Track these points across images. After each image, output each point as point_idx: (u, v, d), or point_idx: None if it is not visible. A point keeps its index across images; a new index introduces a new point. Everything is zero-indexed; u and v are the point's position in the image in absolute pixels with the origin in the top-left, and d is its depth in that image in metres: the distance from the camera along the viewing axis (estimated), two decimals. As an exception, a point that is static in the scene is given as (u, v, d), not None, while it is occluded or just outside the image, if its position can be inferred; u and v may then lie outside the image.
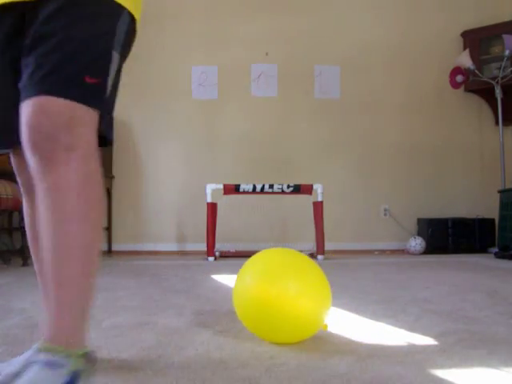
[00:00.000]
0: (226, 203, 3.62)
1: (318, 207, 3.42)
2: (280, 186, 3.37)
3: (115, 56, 0.85)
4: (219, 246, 3.61)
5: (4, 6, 0.79)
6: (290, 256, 1.17)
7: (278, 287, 1.07)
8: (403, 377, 0.86)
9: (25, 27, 0.79)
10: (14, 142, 0.82)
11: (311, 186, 3.40)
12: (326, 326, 1.12)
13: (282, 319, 1.05)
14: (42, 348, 0.75)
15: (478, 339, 1.12)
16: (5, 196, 2.62)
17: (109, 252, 3.93)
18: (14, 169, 0.93)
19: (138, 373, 0.90)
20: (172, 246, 4.04)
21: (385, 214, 4.15)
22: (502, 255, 3.30)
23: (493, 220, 3.85)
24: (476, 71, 3.86)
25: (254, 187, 3.35)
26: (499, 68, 3.80)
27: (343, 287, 1.95)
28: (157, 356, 1.00)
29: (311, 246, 3.46)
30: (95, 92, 0.80)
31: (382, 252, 3.99)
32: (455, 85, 3.95)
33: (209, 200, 3.36)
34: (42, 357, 0.74)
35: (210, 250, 3.31)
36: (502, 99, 3.82)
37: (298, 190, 3.38)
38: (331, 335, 1.16)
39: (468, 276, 2.33)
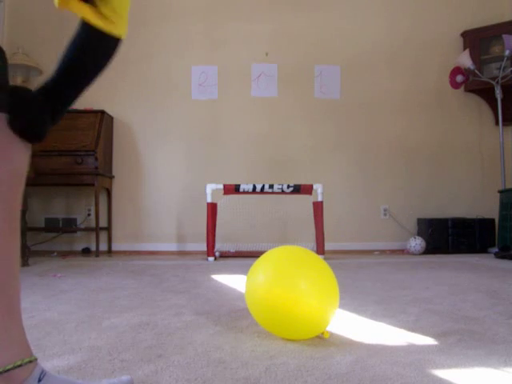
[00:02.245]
0: (226, 203, 3.62)
1: (318, 207, 3.42)
2: (280, 186, 3.37)
3: None
4: (219, 246, 3.61)
5: None
6: (301, 255, 1.18)
7: (288, 286, 1.09)
8: (403, 377, 0.86)
9: None
10: None
11: (311, 186, 3.40)
12: (327, 333, 1.13)
13: (291, 317, 1.07)
14: None
15: (478, 339, 1.12)
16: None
17: (109, 252, 3.94)
18: None
19: (138, 373, 0.90)
20: (172, 246, 4.04)
21: (385, 214, 4.15)
22: (502, 255, 3.30)
23: (493, 220, 3.85)
24: (476, 71, 3.86)
25: (254, 187, 3.35)
26: (499, 68, 3.80)
27: (343, 287, 1.95)
28: (157, 356, 1.00)
29: (311, 245, 3.46)
30: None
31: (382, 252, 3.99)
32: (455, 85, 3.96)
33: (209, 200, 3.36)
34: None
35: (210, 250, 3.31)
36: (501, 99, 3.82)
37: (298, 190, 3.38)
38: (331, 335, 1.16)
39: (468, 276, 2.33)
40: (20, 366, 0.71)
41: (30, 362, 0.73)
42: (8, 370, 0.70)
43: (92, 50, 0.80)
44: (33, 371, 0.73)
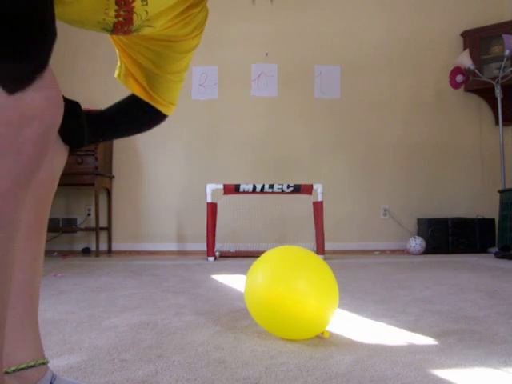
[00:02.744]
0: (226, 203, 3.61)
1: (318, 207, 3.42)
2: (280, 186, 3.37)
3: None
4: (219, 246, 3.61)
5: None
6: (301, 255, 1.18)
7: (287, 286, 1.09)
8: (403, 377, 0.86)
9: None
10: None
11: (311, 186, 3.40)
12: (327, 332, 1.13)
13: (290, 317, 1.07)
14: None
15: (478, 339, 1.12)
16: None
17: (109, 252, 3.94)
18: None
19: (138, 373, 0.90)
20: (172, 246, 4.04)
21: (385, 214, 4.15)
22: (502, 255, 3.30)
23: (493, 220, 3.85)
24: (476, 71, 3.86)
25: (254, 187, 3.35)
26: (499, 68, 3.80)
27: (343, 287, 1.95)
28: (157, 356, 1.00)
29: (311, 246, 3.46)
30: None
31: (382, 252, 3.99)
32: (455, 85, 3.95)
33: (209, 200, 3.36)
34: None
35: (210, 250, 3.31)
36: (501, 99, 3.82)
37: (298, 190, 3.38)
38: (331, 335, 1.16)
39: (468, 276, 2.33)
40: (33, 366, 0.71)
41: (43, 363, 0.73)
42: (21, 369, 0.70)
43: (138, 118, 0.93)
44: (45, 374, 0.73)
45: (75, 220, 4.05)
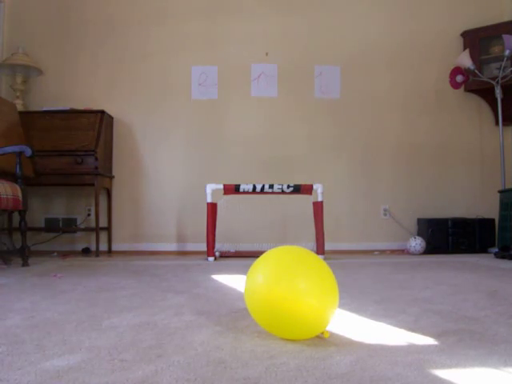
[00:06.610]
0: (226, 203, 3.61)
1: (318, 207, 3.42)
2: (280, 186, 3.37)
3: None
4: (219, 246, 3.61)
5: None
6: (301, 254, 1.18)
7: (287, 286, 1.09)
8: (403, 377, 0.86)
9: None
10: None
11: (311, 186, 3.40)
12: (327, 332, 1.13)
13: (290, 317, 1.07)
14: None
15: (478, 339, 1.12)
16: (5, 196, 2.62)
17: (109, 252, 3.94)
18: None
19: (138, 373, 0.89)
20: (172, 246, 4.04)
21: (385, 214, 4.15)
22: (502, 255, 3.30)
23: (493, 220, 3.85)
24: (476, 71, 3.86)
25: (254, 187, 3.35)
26: (499, 68, 3.80)
27: (343, 287, 1.95)
28: (157, 356, 1.00)
29: (311, 246, 3.46)
30: None
31: (382, 252, 3.99)
32: (455, 85, 3.95)
33: (209, 200, 3.36)
34: None
35: (210, 250, 3.31)
36: (501, 99, 3.82)
37: (298, 190, 3.38)
38: (331, 335, 1.16)
39: (468, 276, 2.33)
40: None
41: None
42: None
43: None
44: None
45: (75, 220, 4.05)
